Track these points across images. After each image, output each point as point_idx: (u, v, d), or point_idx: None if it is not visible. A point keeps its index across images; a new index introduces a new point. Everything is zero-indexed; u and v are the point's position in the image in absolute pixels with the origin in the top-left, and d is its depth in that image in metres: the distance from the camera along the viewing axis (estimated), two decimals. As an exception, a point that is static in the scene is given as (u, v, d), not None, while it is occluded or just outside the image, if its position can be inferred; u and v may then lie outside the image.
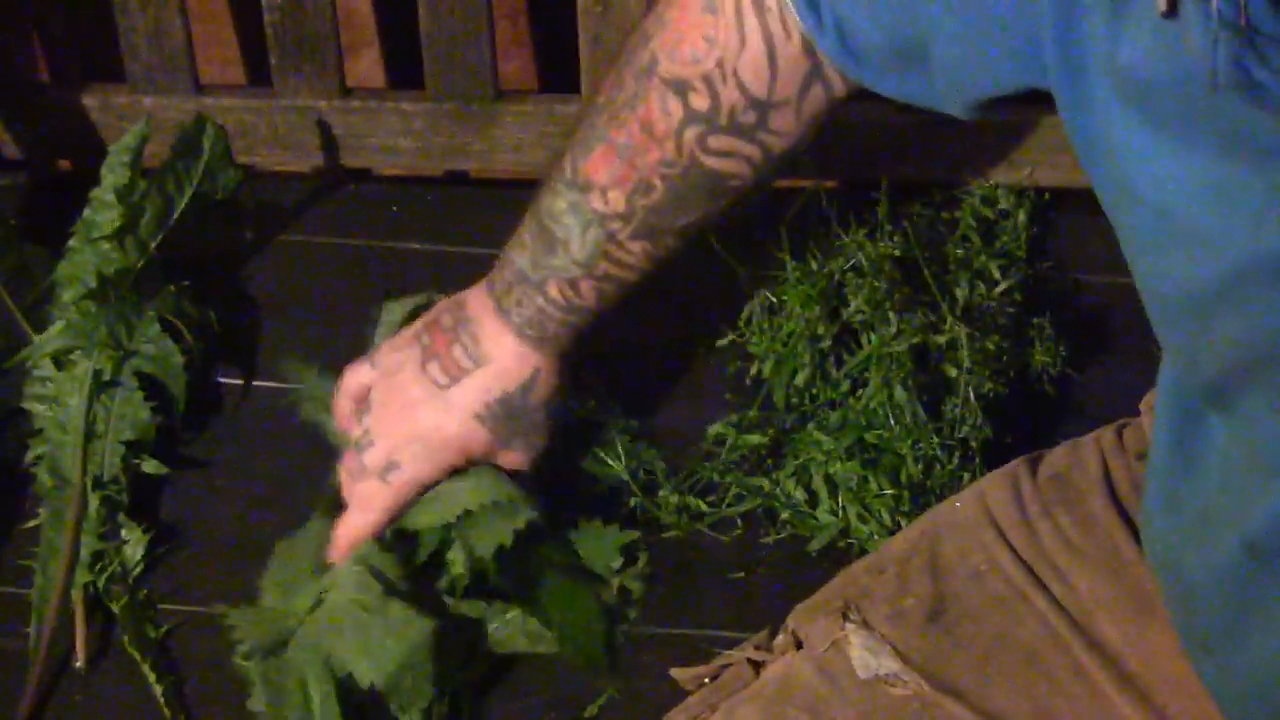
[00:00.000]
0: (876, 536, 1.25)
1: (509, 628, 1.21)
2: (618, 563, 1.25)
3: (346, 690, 1.14)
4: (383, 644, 1.15)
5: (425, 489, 1.21)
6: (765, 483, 1.30)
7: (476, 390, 1.19)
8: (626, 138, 1.07)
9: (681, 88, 1.04)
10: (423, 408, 1.19)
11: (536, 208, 1.14)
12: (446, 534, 1.21)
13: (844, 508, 1.27)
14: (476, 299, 1.20)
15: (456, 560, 1.20)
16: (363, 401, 1.23)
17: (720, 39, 1.01)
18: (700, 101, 1.04)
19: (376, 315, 1.35)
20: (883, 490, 1.26)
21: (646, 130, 1.06)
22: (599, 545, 1.26)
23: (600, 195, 1.10)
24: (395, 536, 1.21)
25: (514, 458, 1.22)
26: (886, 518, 1.25)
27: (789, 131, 1.05)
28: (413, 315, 1.30)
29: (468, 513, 1.19)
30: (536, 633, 1.20)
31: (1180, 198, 0.73)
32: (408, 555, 1.21)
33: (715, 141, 1.06)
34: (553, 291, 1.16)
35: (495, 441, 1.20)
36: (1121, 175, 0.76)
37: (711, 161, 1.07)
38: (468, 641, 1.20)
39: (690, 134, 1.05)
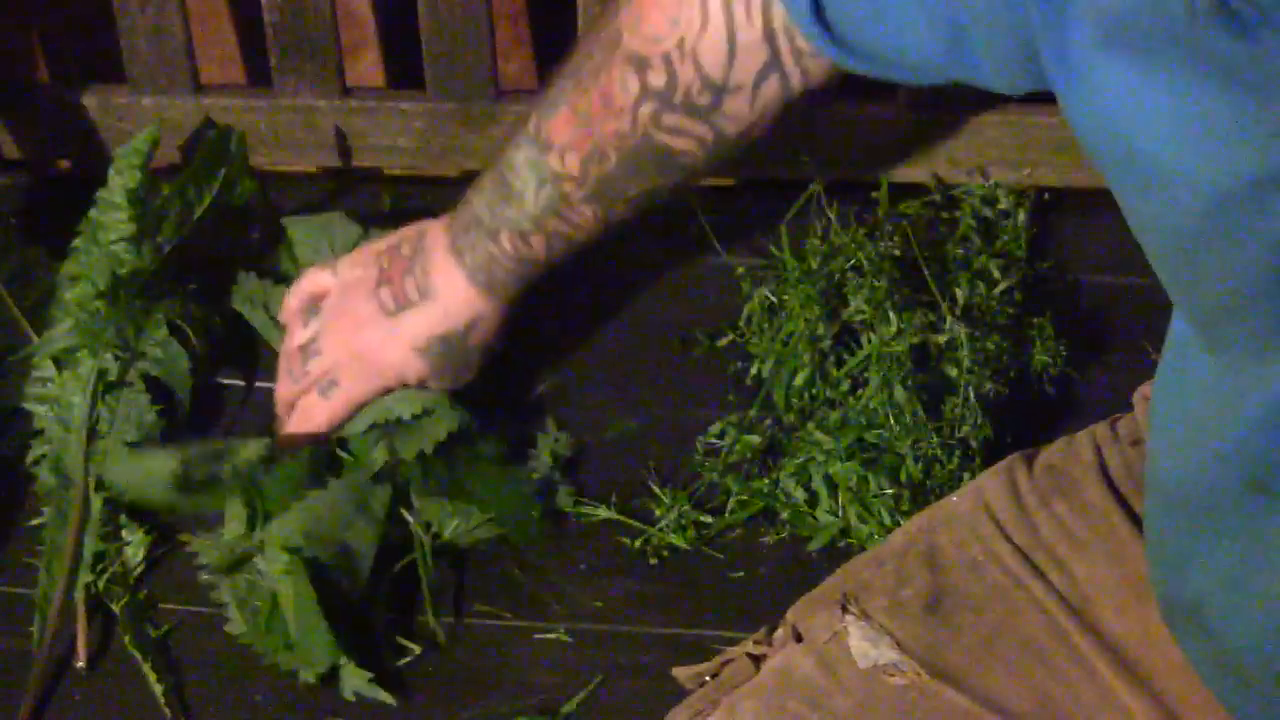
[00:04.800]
0: (876, 536, 1.25)
1: (447, 519, 1.27)
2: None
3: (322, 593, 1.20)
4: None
5: (359, 407, 1.28)
6: (765, 483, 1.30)
7: (420, 325, 1.25)
8: (587, 105, 1.12)
9: (641, 64, 1.08)
10: (369, 330, 1.26)
11: (499, 157, 1.20)
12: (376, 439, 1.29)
13: (844, 507, 1.27)
14: (435, 234, 1.26)
15: (378, 459, 1.27)
16: (315, 303, 1.30)
17: (683, 19, 1.05)
18: (657, 79, 1.08)
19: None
20: (883, 490, 1.26)
21: (605, 102, 1.11)
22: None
23: (558, 156, 1.15)
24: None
25: (439, 386, 1.29)
26: (886, 517, 1.26)
27: (742, 117, 1.08)
28: (319, 232, 1.41)
29: (398, 420, 1.28)
30: (471, 517, 1.28)
31: (1160, 134, 0.73)
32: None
33: (669, 119, 1.10)
34: (504, 242, 1.21)
35: (429, 374, 1.27)
36: (1103, 119, 0.75)
37: (664, 138, 1.11)
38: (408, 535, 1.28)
39: (646, 110, 1.10)
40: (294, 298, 1.32)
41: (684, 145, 1.11)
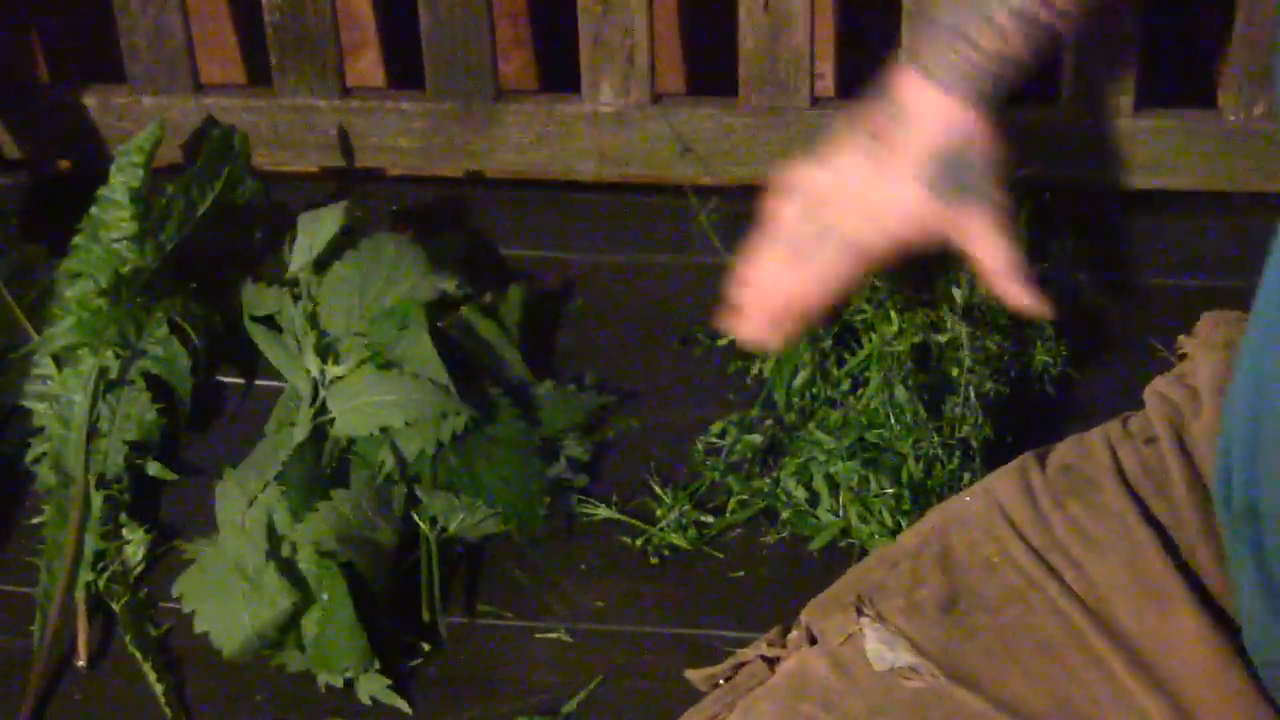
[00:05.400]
0: (877, 536, 1.25)
1: (454, 513, 1.26)
2: (578, 420, 1.34)
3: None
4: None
5: (865, 265, 1.17)
6: (766, 483, 1.30)
7: (907, 149, 1.14)
8: None
9: None
10: (859, 175, 1.15)
11: None
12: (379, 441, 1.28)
13: (845, 507, 1.27)
14: (900, 71, 1.15)
15: (385, 460, 1.26)
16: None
17: None
18: None
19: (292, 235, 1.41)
20: (883, 490, 1.26)
21: None
22: (560, 408, 1.34)
23: None
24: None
25: (976, 220, 1.15)
26: (887, 517, 1.26)
27: None
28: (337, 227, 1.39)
29: (405, 424, 1.26)
30: (478, 510, 1.27)
31: None
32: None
33: None
34: (974, 34, 1.12)
35: (942, 202, 1.14)
36: None
37: None
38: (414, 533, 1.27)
39: None
40: (783, 197, 1.19)
41: None
